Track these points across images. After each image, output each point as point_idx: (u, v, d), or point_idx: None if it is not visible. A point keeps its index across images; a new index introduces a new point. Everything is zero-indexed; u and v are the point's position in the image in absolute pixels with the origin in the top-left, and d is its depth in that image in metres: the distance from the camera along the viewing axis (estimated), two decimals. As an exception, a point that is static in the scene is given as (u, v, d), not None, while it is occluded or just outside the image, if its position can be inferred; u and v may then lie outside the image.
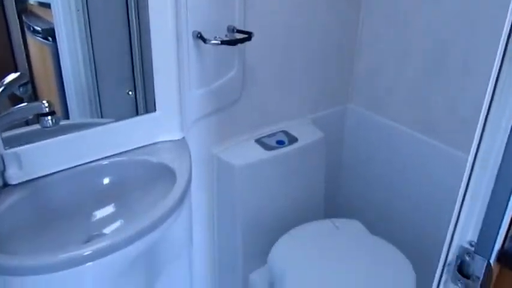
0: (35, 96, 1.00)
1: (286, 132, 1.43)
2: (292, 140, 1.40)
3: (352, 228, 1.39)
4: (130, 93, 1.12)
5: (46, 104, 0.87)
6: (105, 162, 1.07)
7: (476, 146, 0.52)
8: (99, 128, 1.07)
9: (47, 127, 0.88)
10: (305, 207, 1.49)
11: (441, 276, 0.57)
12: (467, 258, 0.55)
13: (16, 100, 0.96)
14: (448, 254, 0.57)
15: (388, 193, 1.56)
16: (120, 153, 1.09)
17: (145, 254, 1.03)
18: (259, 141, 1.38)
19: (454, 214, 0.57)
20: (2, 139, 0.93)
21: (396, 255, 1.27)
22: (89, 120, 1.11)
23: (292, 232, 1.38)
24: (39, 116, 0.88)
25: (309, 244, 1.34)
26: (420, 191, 1.45)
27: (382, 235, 1.34)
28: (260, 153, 1.34)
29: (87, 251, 0.86)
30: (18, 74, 0.96)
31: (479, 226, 0.54)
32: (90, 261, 0.87)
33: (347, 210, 1.69)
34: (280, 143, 1.38)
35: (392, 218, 1.54)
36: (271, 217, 1.42)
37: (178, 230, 1.21)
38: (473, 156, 0.53)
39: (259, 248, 1.40)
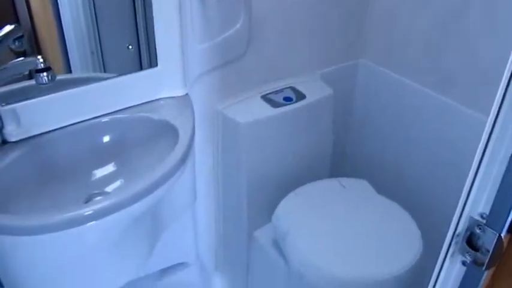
0: (37, 49, 0.97)
1: (293, 89, 1.39)
2: (300, 96, 1.36)
3: (359, 187, 1.38)
4: (130, 47, 1.08)
5: (41, 60, 0.84)
6: (105, 119, 1.05)
7: (498, 106, 0.49)
8: (99, 84, 1.04)
9: (43, 84, 0.86)
10: (311, 165, 1.48)
11: (449, 247, 0.56)
12: (477, 230, 0.53)
13: (19, 54, 0.94)
14: (458, 225, 0.55)
15: (397, 154, 1.53)
16: (121, 110, 1.07)
17: (147, 213, 1.03)
18: (265, 97, 1.35)
19: (466, 183, 0.54)
20: (-1, 95, 0.91)
21: (403, 216, 1.26)
22: (90, 74, 1.08)
23: (298, 191, 1.37)
24: (35, 72, 0.85)
25: (315, 203, 1.33)
26: (432, 154, 1.42)
27: (389, 196, 1.33)
28: (266, 110, 1.31)
29: (88, 210, 0.85)
30: (13, 26, 0.92)
31: (492, 198, 0.52)
32: (91, 221, 0.87)
33: (354, 170, 1.67)
34: (288, 99, 1.35)
35: (401, 180, 1.53)
36: (277, 175, 1.41)
37: (182, 188, 1.21)
38: (495, 115, 0.49)
39: (264, 206, 1.40)
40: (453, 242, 0.55)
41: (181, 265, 1.48)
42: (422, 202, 1.42)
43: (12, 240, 0.82)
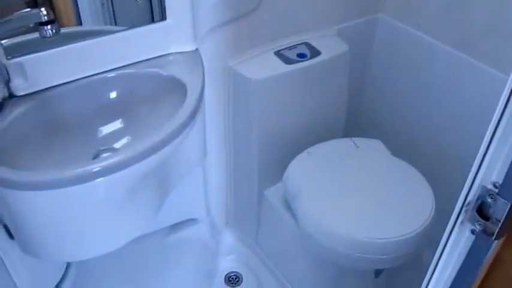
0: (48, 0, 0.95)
1: (308, 45, 1.35)
2: (315, 53, 1.33)
3: (373, 148, 1.36)
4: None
5: (45, 12, 0.83)
6: (113, 74, 1.04)
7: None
8: (107, 37, 1.02)
9: (46, 37, 0.84)
10: (325, 125, 1.46)
11: (458, 215, 0.55)
12: (489, 200, 0.52)
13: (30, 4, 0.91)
14: (469, 193, 0.54)
15: (414, 114, 1.50)
16: (129, 65, 1.06)
17: (156, 169, 1.04)
18: (278, 53, 1.31)
19: (480, 150, 0.53)
20: (4, 48, 0.90)
21: (416, 178, 1.25)
22: (99, 27, 1.06)
23: (310, 150, 1.36)
24: (38, 25, 0.84)
25: (327, 163, 1.32)
26: (450, 115, 1.39)
27: (403, 157, 1.31)
28: (279, 66, 1.28)
29: (96, 167, 0.86)
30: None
31: (506, 167, 0.50)
32: (99, 178, 0.87)
33: (369, 130, 1.65)
34: (302, 56, 1.32)
35: (416, 141, 1.50)
36: (289, 134, 1.40)
37: (191, 145, 1.20)
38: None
39: (275, 165, 1.39)
40: (463, 210, 0.54)
41: (191, 221, 1.51)
42: (437, 166, 1.40)
43: (21, 195, 0.83)
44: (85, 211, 0.92)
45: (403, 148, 1.41)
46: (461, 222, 0.55)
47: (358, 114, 1.67)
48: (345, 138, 1.40)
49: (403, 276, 1.35)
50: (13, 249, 1.00)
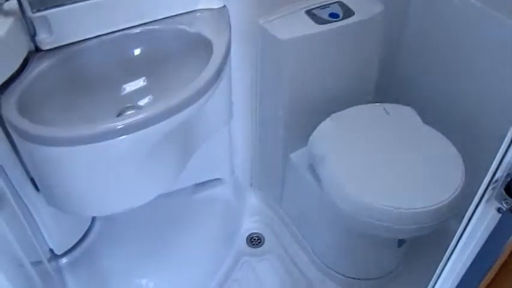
0: None
1: (341, 4, 1.30)
2: (348, 13, 1.28)
3: (404, 115, 1.33)
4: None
5: (69, -35, 0.82)
6: (138, 30, 1.03)
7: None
8: (133, -8, 1.01)
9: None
10: (355, 89, 1.42)
11: (484, 192, 0.53)
12: (518, 178, 0.50)
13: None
14: (497, 170, 0.52)
15: (451, 82, 1.44)
16: (155, 22, 1.05)
17: (180, 129, 1.04)
18: (310, 13, 1.27)
19: (513, 125, 0.50)
20: (30, 1, 0.90)
21: (447, 149, 1.21)
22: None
23: (338, 114, 1.33)
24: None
25: (355, 128, 1.30)
26: (490, 86, 1.32)
27: (436, 127, 1.27)
28: (310, 26, 1.24)
29: (120, 124, 0.87)
30: None
31: (540, 144, 0.48)
32: (123, 135, 0.88)
33: (401, 96, 1.59)
34: (334, 16, 1.27)
35: (451, 111, 1.45)
36: (317, 97, 1.37)
37: (217, 105, 1.20)
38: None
39: (302, 128, 1.38)
40: (490, 188, 0.52)
41: (216, 181, 1.52)
42: (469, 138, 1.35)
43: (45, 150, 0.85)
44: (108, 168, 0.93)
45: (435, 115, 1.36)
46: (488, 200, 0.53)
47: (390, 79, 1.61)
48: (375, 104, 1.36)
49: (427, 246, 1.34)
50: (41, 202, 1.04)
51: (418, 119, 1.31)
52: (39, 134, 0.83)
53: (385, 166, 1.19)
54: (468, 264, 0.60)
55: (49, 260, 1.17)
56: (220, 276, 1.48)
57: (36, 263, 1.00)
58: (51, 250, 1.20)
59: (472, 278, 0.61)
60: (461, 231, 0.58)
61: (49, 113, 0.93)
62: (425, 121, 1.30)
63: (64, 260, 1.24)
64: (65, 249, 1.24)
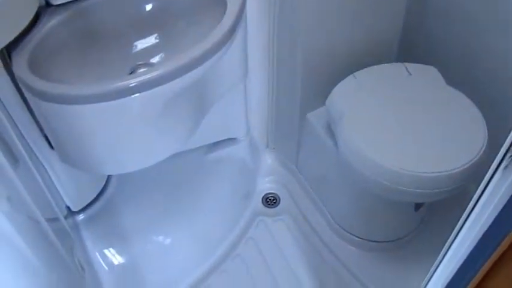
0: None
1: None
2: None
3: (426, 75, 1.29)
4: None
5: None
6: (150, -16, 1.02)
7: None
8: None
9: None
10: (376, 46, 1.39)
11: (502, 159, 0.52)
12: (539, 145, 0.48)
13: None
14: (517, 137, 0.50)
15: (479, 43, 1.38)
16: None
17: (194, 87, 1.03)
18: (330, -38, 1.23)
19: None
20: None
21: (470, 111, 1.18)
22: None
23: (358, 74, 1.31)
24: None
25: (375, 88, 1.27)
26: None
27: (460, 89, 1.24)
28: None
29: (132, 82, 0.87)
30: None
31: None
32: (135, 93, 0.88)
33: (424, 56, 1.54)
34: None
35: (476, 73, 1.40)
36: (337, 55, 1.34)
37: (232, 62, 1.18)
38: None
39: (320, 87, 1.36)
40: (508, 155, 0.51)
41: (231, 140, 1.53)
42: (494, 102, 1.31)
43: (56, 108, 0.86)
44: (120, 126, 0.94)
45: (460, 78, 1.32)
46: (505, 167, 0.52)
47: (414, 37, 1.56)
48: (397, 63, 1.33)
49: (445, 209, 1.33)
50: (56, 160, 1.06)
51: (441, 79, 1.27)
52: (50, 91, 0.83)
53: (405, 128, 1.17)
54: (483, 231, 0.59)
55: (66, 217, 1.21)
56: (235, 234, 1.51)
57: (53, 220, 1.03)
58: (67, 207, 1.23)
59: (487, 245, 0.61)
60: (476, 197, 0.57)
61: (60, 70, 0.93)
62: (449, 82, 1.26)
63: (81, 217, 1.28)
64: (82, 206, 1.27)
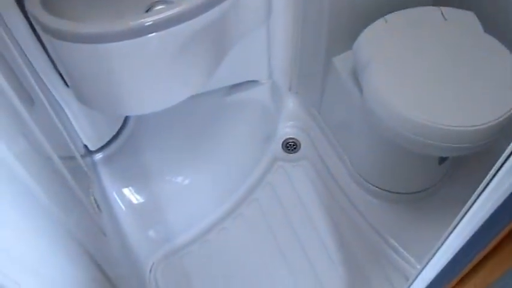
0: None
1: None
2: None
3: (463, 21, 1.22)
4: None
5: None
6: None
7: None
8: None
9: None
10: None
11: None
12: None
13: None
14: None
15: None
16: None
17: (213, 26, 1.01)
18: None
19: None
20: None
21: (508, 62, 1.12)
22: None
23: (389, 17, 1.24)
24: None
25: (406, 33, 1.21)
26: None
27: (498, 37, 1.17)
28: None
29: (149, 20, 0.85)
30: None
31: None
32: (152, 32, 0.87)
33: (462, 0, 1.46)
34: None
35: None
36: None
37: (253, 1, 1.14)
38: None
39: (348, 30, 1.30)
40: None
41: (253, 83, 1.51)
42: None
43: (70, 47, 0.85)
44: (136, 66, 0.93)
45: (499, 26, 1.25)
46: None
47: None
48: (432, 7, 1.26)
49: (470, 163, 1.31)
50: (73, 99, 1.06)
51: (478, 26, 1.21)
52: (63, 29, 0.82)
53: (435, 77, 1.12)
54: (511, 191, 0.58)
55: (83, 156, 1.23)
56: (253, 178, 1.52)
57: (69, 159, 1.05)
58: (85, 146, 1.25)
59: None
60: (506, 156, 0.55)
61: (73, 7, 0.91)
62: (487, 29, 1.20)
63: (99, 156, 1.30)
64: (99, 145, 1.29)
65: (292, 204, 1.46)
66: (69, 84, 1.00)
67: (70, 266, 0.75)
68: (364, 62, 1.20)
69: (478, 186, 0.64)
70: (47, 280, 0.64)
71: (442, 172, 1.40)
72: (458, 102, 1.07)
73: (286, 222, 1.42)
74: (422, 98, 1.09)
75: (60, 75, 1.00)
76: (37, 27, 0.87)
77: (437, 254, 0.64)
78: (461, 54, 1.16)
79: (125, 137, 1.35)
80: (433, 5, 1.29)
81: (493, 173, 0.58)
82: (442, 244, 0.63)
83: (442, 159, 1.25)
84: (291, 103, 1.64)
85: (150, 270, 1.33)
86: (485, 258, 0.61)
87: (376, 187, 1.42)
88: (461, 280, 0.68)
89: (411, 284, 0.75)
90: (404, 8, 1.26)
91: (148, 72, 0.96)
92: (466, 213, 0.61)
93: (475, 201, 0.63)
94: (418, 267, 0.71)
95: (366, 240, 1.37)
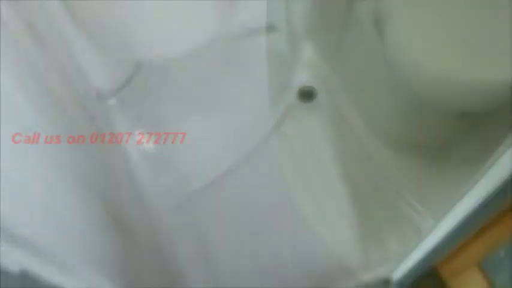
0: None
1: None
2: None
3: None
4: None
5: None
6: None
7: None
8: None
9: None
10: None
11: None
12: None
13: None
14: None
15: None
16: None
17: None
18: None
19: None
20: None
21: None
22: None
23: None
24: None
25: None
26: None
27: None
28: None
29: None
30: None
31: None
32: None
33: None
34: None
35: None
36: None
37: None
38: None
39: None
40: None
41: (268, 28, 1.47)
42: None
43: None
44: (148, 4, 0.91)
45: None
46: None
47: None
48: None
49: (493, 121, 1.28)
50: (84, 42, 1.05)
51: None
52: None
53: (461, 30, 1.08)
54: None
55: (96, 100, 1.23)
56: (268, 128, 1.52)
57: (82, 103, 1.05)
58: (97, 91, 1.25)
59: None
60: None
61: None
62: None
63: (112, 101, 1.30)
64: (112, 90, 1.29)
65: (306, 155, 1.46)
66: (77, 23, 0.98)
67: (80, 206, 0.76)
68: (387, 9, 1.17)
69: (497, 146, 0.64)
70: (58, 219, 0.65)
71: (462, 129, 1.38)
72: (485, 57, 1.04)
73: (300, 172, 1.43)
74: (447, 51, 1.06)
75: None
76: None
77: (456, 208, 0.65)
78: (491, 5, 1.11)
79: (138, 83, 1.34)
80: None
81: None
82: (460, 199, 0.63)
83: (464, 115, 1.22)
84: (308, 50, 1.61)
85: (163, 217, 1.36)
86: (499, 216, 0.62)
87: (394, 139, 1.41)
88: (476, 236, 0.68)
89: (425, 237, 0.75)
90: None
91: (158, 13, 0.94)
92: (485, 173, 0.61)
93: (494, 161, 0.63)
94: (432, 221, 0.71)
95: (379, 192, 1.38)
